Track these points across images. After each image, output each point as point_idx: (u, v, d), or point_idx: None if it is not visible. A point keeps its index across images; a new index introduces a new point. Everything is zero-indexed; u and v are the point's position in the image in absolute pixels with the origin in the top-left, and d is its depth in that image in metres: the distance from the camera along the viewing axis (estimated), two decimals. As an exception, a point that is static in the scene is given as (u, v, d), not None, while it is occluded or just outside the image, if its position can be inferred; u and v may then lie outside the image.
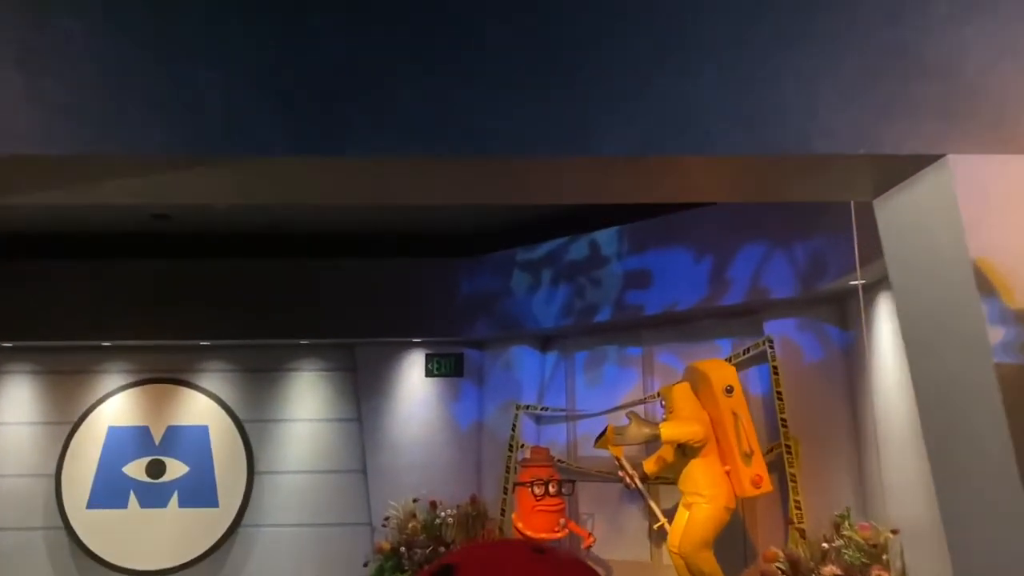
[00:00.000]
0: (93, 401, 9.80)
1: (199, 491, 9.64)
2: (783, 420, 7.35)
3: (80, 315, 9.16)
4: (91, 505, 9.58)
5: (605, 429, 7.60)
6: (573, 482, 8.30)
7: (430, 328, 9.54)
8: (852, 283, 6.40)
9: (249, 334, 9.47)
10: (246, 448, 9.76)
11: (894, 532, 6.21)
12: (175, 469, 9.68)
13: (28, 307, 9.08)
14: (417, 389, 9.83)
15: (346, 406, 9.95)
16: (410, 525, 9.08)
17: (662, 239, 8.04)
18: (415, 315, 9.48)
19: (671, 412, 7.31)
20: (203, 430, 9.79)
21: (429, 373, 9.86)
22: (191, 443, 9.76)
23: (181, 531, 9.58)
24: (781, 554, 6.72)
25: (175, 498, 9.63)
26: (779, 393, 7.39)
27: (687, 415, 7.16)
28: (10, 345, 9.65)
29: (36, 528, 9.58)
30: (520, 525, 8.13)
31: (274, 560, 9.60)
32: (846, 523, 6.65)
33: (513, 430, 9.20)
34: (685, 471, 7.13)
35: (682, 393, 7.31)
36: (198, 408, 9.85)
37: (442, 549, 8.96)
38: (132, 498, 9.60)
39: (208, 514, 9.60)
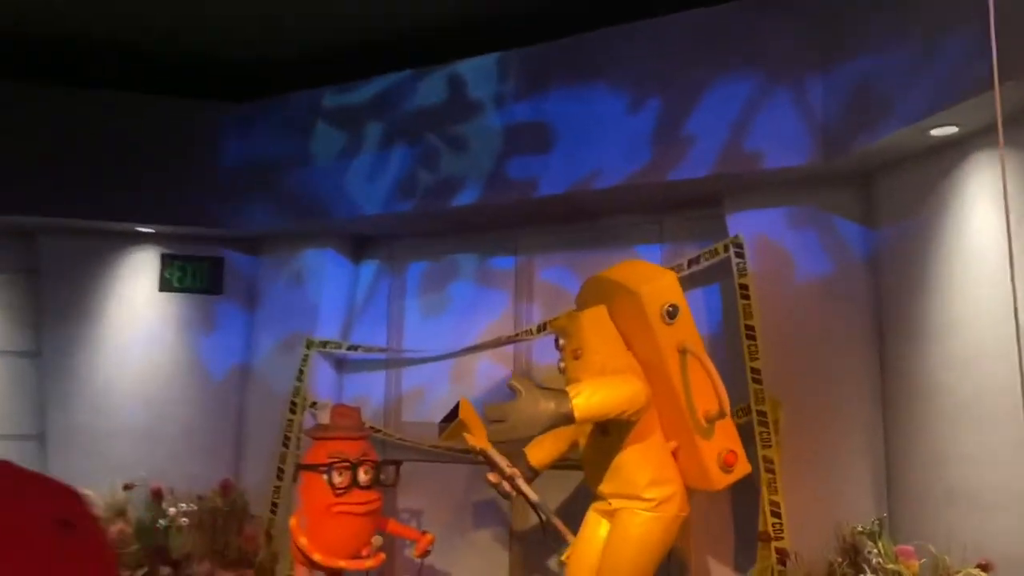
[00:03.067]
0: None
1: None
2: (755, 372, 4.52)
3: None
4: None
5: (455, 408, 4.41)
6: (397, 465, 5.01)
7: (171, 213, 5.87)
8: (940, 131, 3.67)
9: None
10: None
11: (983, 568, 3.54)
12: None
13: None
14: (143, 310, 6.11)
15: (16, 332, 6.03)
16: (117, 527, 5.42)
17: (573, 71, 4.91)
18: (146, 188, 5.78)
19: (577, 359, 4.18)
20: None
21: (165, 286, 6.16)
22: None
23: None
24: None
25: None
26: (749, 329, 4.54)
27: (613, 364, 4.09)
28: None
29: None
30: (303, 540, 4.73)
31: None
32: (874, 544, 3.92)
33: (300, 380, 5.78)
34: (610, 461, 4.08)
35: (596, 323, 4.21)
36: None
37: (166, 571, 5.40)
38: None
39: None
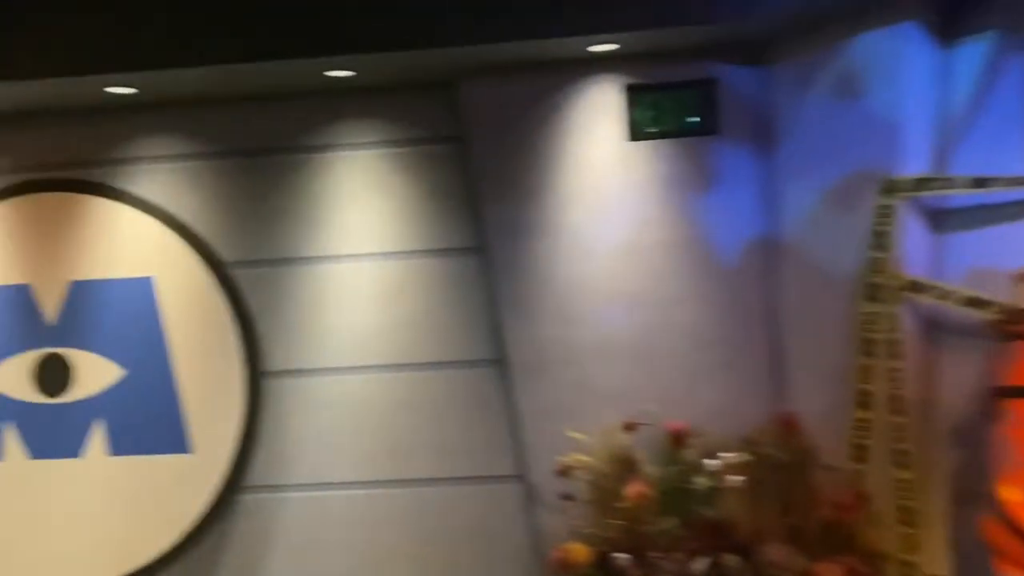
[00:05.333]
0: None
1: (149, 421, 4.39)
2: None
3: None
4: (-73, 456, 4.51)
5: None
6: None
7: (631, 15, 3.77)
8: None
9: (225, 55, 3.98)
10: (240, 325, 4.39)
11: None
12: (94, 374, 4.44)
13: None
14: (608, 172, 4.16)
15: (449, 222, 4.39)
16: (634, 489, 3.64)
17: None
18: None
19: None
20: (142, 288, 4.46)
21: (636, 132, 4.14)
22: (121, 317, 4.46)
23: (114, 508, 4.41)
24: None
25: (98, 436, 4.42)
26: None
27: None
28: None
29: None
30: None
31: (314, 566, 4.34)
32: None
33: (879, 248, 3.47)
34: None
35: None
36: (130, 242, 4.49)
37: (733, 561, 3.49)
38: (10, 438, 4.45)
39: (170, 468, 4.37)
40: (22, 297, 4.50)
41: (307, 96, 4.45)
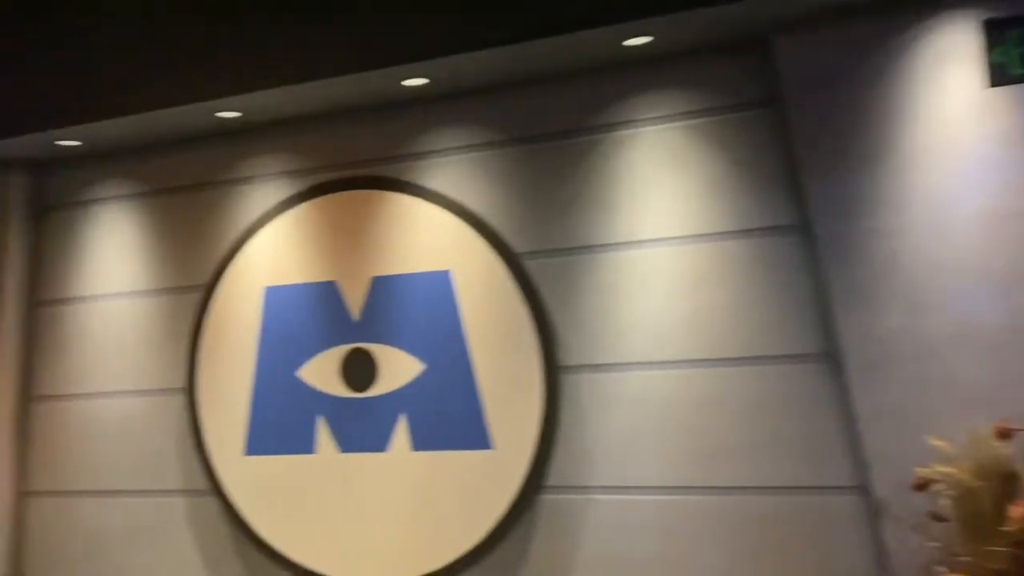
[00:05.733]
0: (233, 240, 4.85)
1: (449, 416, 4.32)
2: None
3: (179, 62, 4.26)
4: (251, 448, 4.73)
5: None
6: None
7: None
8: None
9: (518, 33, 3.80)
10: (536, 318, 4.20)
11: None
12: (396, 368, 4.45)
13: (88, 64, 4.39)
14: (967, 127, 3.45)
15: (763, 198, 3.90)
16: (1011, 508, 2.97)
17: None
18: None
19: None
20: (440, 281, 4.39)
21: (998, 76, 3.41)
22: (421, 311, 4.43)
23: (418, 504, 4.38)
24: None
25: (401, 430, 4.42)
26: None
27: None
28: (74, 143, 4.99)
29: (158, 492, 4.99)
30: None
31: (623, 573, 4.03)
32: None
33: None
34: None
35: None
36: (427, 236, 4.45)
37: None
38: (322, 432, 4.57)
39: (472, 465, 4.27)
40: (329, 294, 4.61)
41: (597, 72, 4.16)
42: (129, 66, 4.56)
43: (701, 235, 3.98)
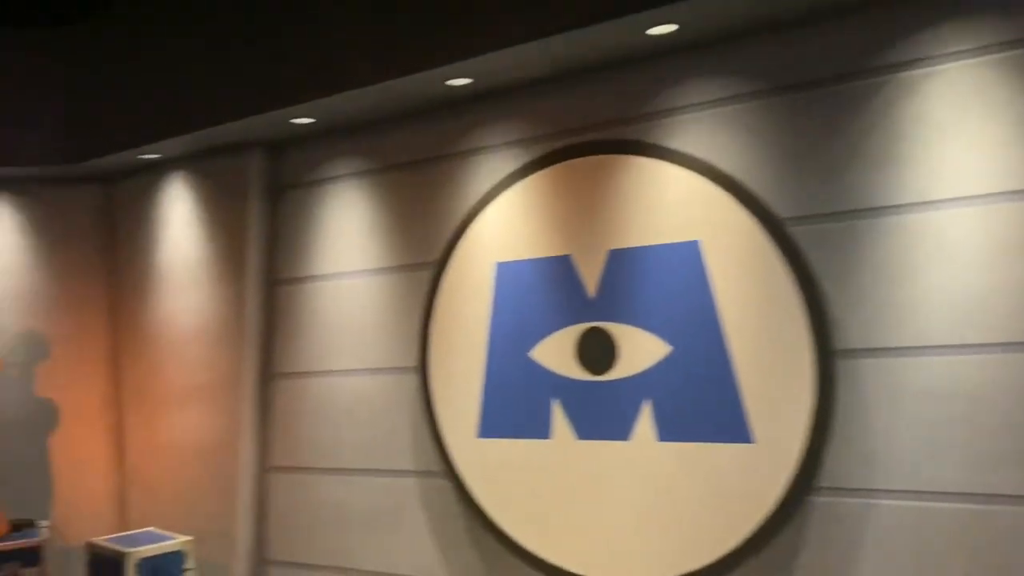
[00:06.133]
0: (463, 214, 4.63)
1: (700, 404, 3.87)
2: None
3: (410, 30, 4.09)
4: (484, 431, 4.52)
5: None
6: None
7: None
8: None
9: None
10: (804, 293, 3.64)
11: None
12: (638, 350, 4.05)
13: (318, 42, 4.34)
14: None
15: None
16: None
17: None
18: None
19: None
20: (688, 253, 3.93)
21: None
22: (665, 287, 3.99)
23: (667, 499, 3.97)
24: None
25: (645, 417, 4.02)
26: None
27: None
28: (307, 120, 4.96)
29: (393, 472, 4.89)
30: None
31: (917, 597, 3.43)
32: None
33: None
34: None
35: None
36: (672, 202, 4.00)
37: None
38: (558, 416, 4.27)
39: (729, 460, 3.80)
40: (564, 268, 4.28)
41: (882, 2, 3.51)
42: (358, 40, 4.44)
43: (1016, 191, 3.26)
